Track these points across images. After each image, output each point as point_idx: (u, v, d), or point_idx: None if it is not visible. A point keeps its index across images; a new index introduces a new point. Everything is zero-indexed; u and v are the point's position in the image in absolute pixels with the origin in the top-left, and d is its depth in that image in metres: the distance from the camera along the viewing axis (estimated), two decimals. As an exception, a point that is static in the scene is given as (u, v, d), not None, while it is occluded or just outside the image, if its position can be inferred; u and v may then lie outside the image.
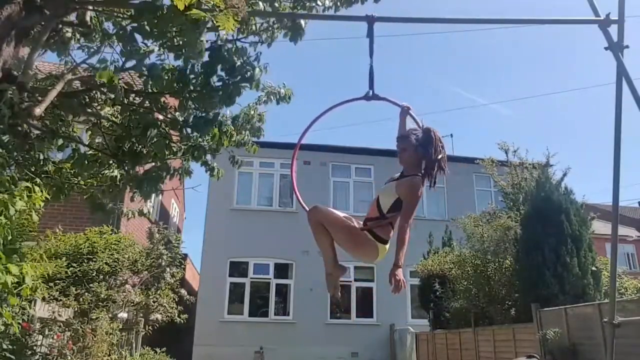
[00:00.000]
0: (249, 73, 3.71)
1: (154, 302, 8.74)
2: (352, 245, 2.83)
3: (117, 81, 3.14)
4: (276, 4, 3.80)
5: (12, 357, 4.40)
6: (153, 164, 4.40)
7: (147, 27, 2.75)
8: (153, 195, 4.44)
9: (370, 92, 3.08)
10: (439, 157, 2.83)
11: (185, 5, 2.28)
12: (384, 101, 3.18)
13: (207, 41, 3.15)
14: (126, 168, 4.31)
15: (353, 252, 2.87)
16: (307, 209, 2.85)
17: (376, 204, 2.86)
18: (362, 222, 2.91)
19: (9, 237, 2.94)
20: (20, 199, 2.95)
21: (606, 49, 3.27)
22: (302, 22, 3.97)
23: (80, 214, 9.49)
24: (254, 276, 15.08)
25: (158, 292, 8.97)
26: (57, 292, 6.88)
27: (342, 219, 2.84)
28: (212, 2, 2.31)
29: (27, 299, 4.85)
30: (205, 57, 3.40)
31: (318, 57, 48.65)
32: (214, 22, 2.41)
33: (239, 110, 4.58)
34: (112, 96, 3.22)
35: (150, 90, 4.09)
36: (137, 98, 4.23)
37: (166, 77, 3.74)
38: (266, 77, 4.26)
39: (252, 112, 4.55)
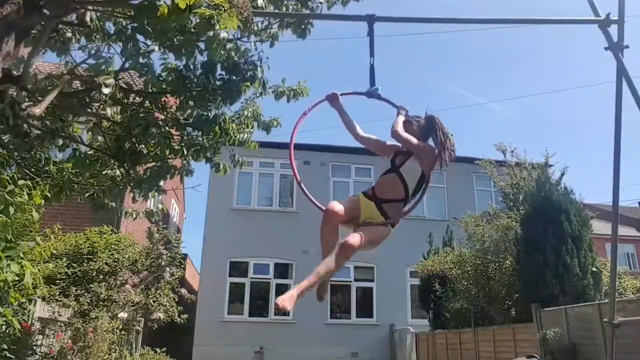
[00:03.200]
0: (249, 72, 3.72)
1: (154, 301, 8.74)
2: (373, 243, 2.81)
3: (112, 75, 3.14)
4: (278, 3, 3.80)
5: (12, 356, 4.40)
6: (153, 163, 4.40)
7: (147, 27, 2.76)
8: (157, 195, 4.43)
9: (372, 90, 3.08)
10: (445, 142, 2.94)
11: (187, 5, 2.28)
12: (384, 102, 3.18)
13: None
14: (126, 168, 4.31)
15: (371, 246, 2.84)
16: (328, 209, 2.73)
17: (402, 184, 2.84)
18: (370, 195, 2.86)
19: (9, 236, 2.94)
20: (20, 197, 2.95)
21: (606, 49, 3.28)
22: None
23: (80, 214, 9.48)
24: (254, 276, 15.08)
25: (158, 291, 8.97)
26: (57, 292, 6.88)
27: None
28: (215, 1, 2.31)
29: (27, 298, 4.85)
30: (206, 56, 3.40)
31: (319, 56, 48.69)
32: (217, 21, 2.41)
33: (239, 107, 4.56)
34: (108, 92, 3.20)
35: (150, 90, 4.10)
36: (137, 98, 4.24)
37: (168, 78, 3.75)
38: (268, 76, 4.27)
39: (253, 109, 4.53)
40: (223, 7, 2.31)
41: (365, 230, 2.72)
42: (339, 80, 41.92)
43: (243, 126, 4.42)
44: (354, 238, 2.65)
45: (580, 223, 9.06)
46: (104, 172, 4.43)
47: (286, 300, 2.47)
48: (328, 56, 47.90)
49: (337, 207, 2.74)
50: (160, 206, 5.20)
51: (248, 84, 3.86)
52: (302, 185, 2.98)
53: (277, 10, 3.85)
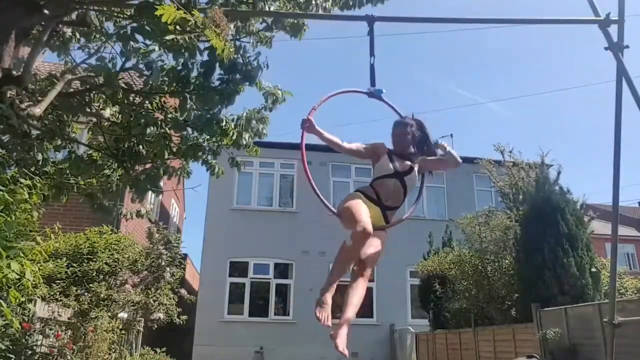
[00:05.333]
0: (249, 72, 3.71)
1: (154, 301, 8.74)
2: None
3: (114, 78, 3.15)
4: (278, 4, 3.80)
5: (12, 356, 4.40)
6: (152, 164, 4.41)
7: (147, 27, 2.76)
8: (152, 195, 4.45)
9: (373, 89, 3.10)
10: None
11: (170, 21, 2.31)
12: (383, 103, 3.19)
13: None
14: (125, 168, 4.31)
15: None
16: (369, 232, 2.59)
17: (404, 192, 2.93)
18: (375, 200, 2.89)
19: (9, 235, 2.94)
20: (20, 195, 2.96)
21: (606, 49, 3.27)
22: (304, 21, 3.98)
23: (80, 214, 9.48)
24: (254, 276, 15.08)
25: (158, 291, 8.97)
26: (57, 292, 6.87)
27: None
28: (195, 19, 2.35)
29: (27, 297, 4.85)
30: (205, 56, 3.40)
31: (319, 56, 48.69)
32: (204, 38, 2.46)
33: (240, 111, 4.57)
34: (110, 92, 3.22)
35: (150, 90, 4.10)
36: (137, 98, 4.24)
37: (166, 78, 3.75)
38: (267, 76, 4.27)
39: (255, 115, 4.54)
40: (203, 25, 2.34)
41: (379, 241, 2.80)
42: (339, 78, 41.93)
43: (240, 129, 4.42)
44: (377, 255, 2.76)
45: (576, 222, 9.03)
46: (102, 173, 4.43)
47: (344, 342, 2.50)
48: (328, 54, 47.91)
49: (370, 226, 2.62)
50: (149, 206, 5.23)
51: (246, 83, 3.86)
52: (320, 194, 2.96)
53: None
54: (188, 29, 2.47)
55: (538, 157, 11.62)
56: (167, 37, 2.57)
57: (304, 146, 3.00)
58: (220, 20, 2.39)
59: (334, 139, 3.01)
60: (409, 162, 2.97)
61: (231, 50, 2.71)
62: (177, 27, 2.58)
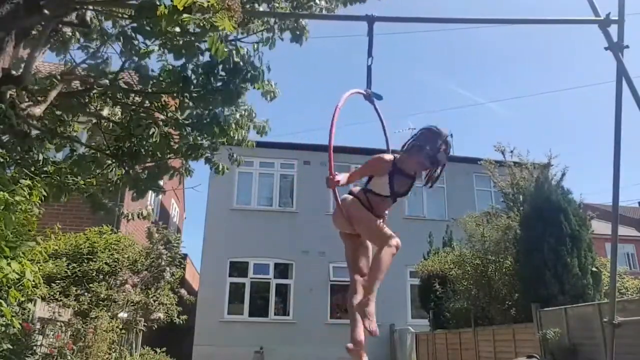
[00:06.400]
0: (250, 73, 3.71)
1: (154, 301, 8.74)
2: None
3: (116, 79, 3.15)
4: (276, 4, 3.80)
5: (12, 357, 4.40)
6: (152, 163, 4.41)
7: (147, 27, 2.76)
8: (153, 195, 4.46)
9: (369, 92, 3.05)
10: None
11: (184, 6, 2.28)
12: (373, 107, 3.14)
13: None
14: (126, 168, 4.31)
15: None
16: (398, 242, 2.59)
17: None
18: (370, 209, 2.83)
19: (9, 234, 2.94)
20: (20, 195, 2.95)
21: (606, 49, 3.27)
22: (304, 23, 3.98)
23: (80, 214, 9.49)
24: (254, 276, 15.08)
25: (158, 291, 8.97)
26: (57, 292, 6.87)
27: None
28: (207, 3, 2.31)
29: (28, 298, 4.85)
30: (206, 57, 3.40)
31: (320, 55, 48.70)
32: (211, 23, 2.42)
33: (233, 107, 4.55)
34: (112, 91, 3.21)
35: (150, 90, 4.10)
36: (137, 98, 4.25)
37: (167, 79, 3.75)
38: (267, 75, 4.25)
39: (250, 109, 4.53)
40: (214, 8, 2.30)
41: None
42: (339, 77, 41.95)
43: (239, 127, 4.42)
44: None
45: (579, 222, 9.05)
46: (102, 173, 4.43)
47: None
48: (329, 53, 47.91)
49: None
50: (149, 207, 5.22)
51: (248, 85, 3.86)
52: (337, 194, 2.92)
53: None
54: (199, 13, 2.42)
55: (541, 158, 11.66)
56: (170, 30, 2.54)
57: (331, 151, 2.87)
58: (233, 3, 2.34)
59: (354, 178, 2.96)
60: (409, 181, 2.79)
61: (225, 50, 2.69)
62: (178, 28, 2.58)
